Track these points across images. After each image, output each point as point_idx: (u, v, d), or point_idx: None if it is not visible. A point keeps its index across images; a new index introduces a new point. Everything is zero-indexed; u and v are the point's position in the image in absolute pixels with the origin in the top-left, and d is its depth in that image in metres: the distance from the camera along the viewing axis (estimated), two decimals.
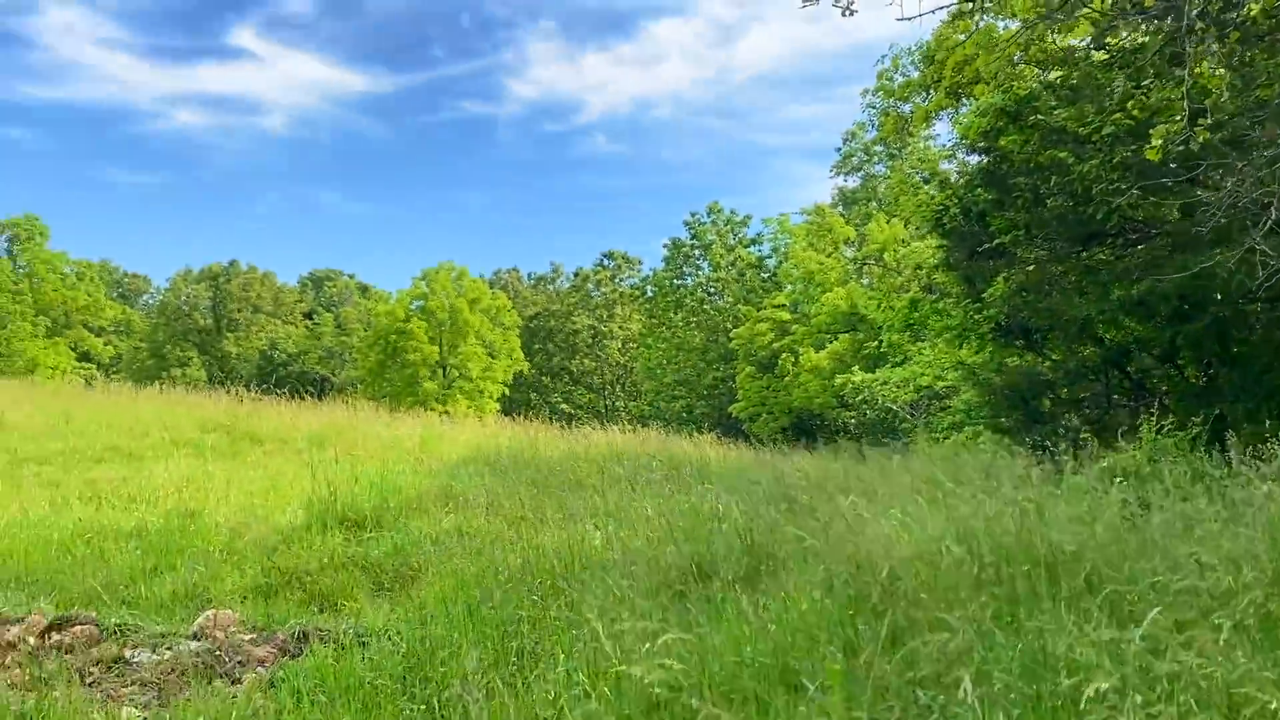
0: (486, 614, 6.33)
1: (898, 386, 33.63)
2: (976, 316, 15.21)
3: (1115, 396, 14.96)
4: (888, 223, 45.62)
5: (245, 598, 7.36)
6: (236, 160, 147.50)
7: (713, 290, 57.32)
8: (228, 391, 28.67)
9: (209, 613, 6.39)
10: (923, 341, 21.09)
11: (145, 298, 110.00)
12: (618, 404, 75.92)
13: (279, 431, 19.51)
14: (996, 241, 14.43)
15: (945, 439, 32.72)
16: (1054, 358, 16.15)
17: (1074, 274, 14.43)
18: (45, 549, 7.88)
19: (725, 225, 58.27)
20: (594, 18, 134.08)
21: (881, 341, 35.02)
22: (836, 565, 6.77)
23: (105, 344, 71.22)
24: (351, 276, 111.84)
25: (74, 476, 12.89)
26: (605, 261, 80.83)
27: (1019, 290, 14.82)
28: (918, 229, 38.51)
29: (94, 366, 68.47)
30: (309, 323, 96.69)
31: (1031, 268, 14.39)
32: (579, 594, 6.88)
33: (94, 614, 6.20)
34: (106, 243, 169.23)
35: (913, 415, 37.34)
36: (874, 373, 36.38)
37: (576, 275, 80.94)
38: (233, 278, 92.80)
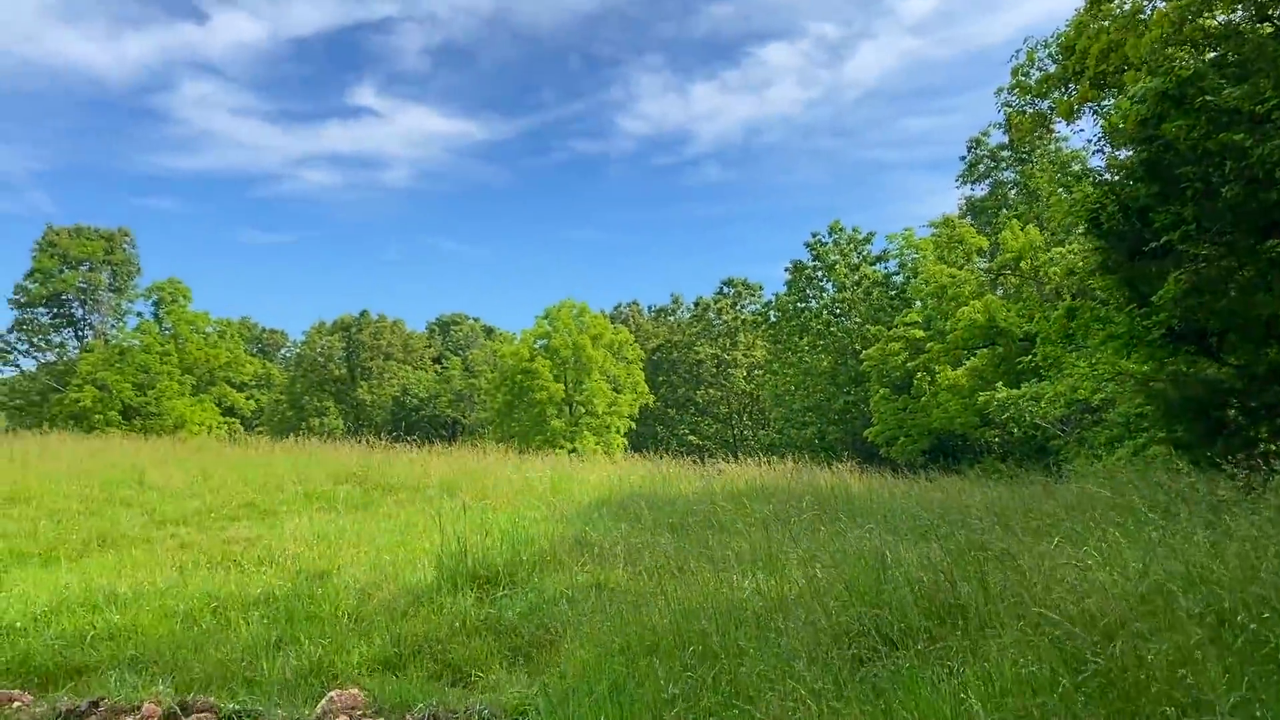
0: (634, 692, 5.57)
1: (1049, 402, 31.57)
2: (1145, 323, 13.76)
3: None
4: (1023, 229, 43.44)
5: (373, 671, 6.78)
6: (362, 214, 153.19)
7: (838, 311, 55.74)
8: (361, 441, 28.98)
9: (333, 694, 5.82)
10: (1079, 351, 19.45)
11: (283, 351, 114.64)
12: (745, 433, 74.69)
13: (410, 479, 19.31)
14: (1164, 239, 13.01)
15: (1105, 456, 30.52)
16: (1235, 362, 14.53)
17: (1254, 269, 12.91)
18: (170, 622, 7.51)
19: (848, 244, 56.72)
20: (700, 48, 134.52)
21: (1033, 355, 33.00)
22: (1040, 623, 5.75)
23: (247, 398, 73.90)
24: (476, 320, 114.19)
25: (209, 536, 12.77)
26: (725, 289, 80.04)
27: (1191, 291, 13.35)
28: (1066, 232, 36.38)
29: (237, 420, 71.12)
30: (438, 367, 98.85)
31: (1204, 265, 12.92)
32: (736, 662, 6.03)
33: (212, 699, 5.71)
34: (245, 301, 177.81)
35: (1064, 431, 35.09)
36: (1019, 388, 34.34)
37: (697, 304, 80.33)
38: (364, 327, 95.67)
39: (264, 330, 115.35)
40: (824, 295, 57.37)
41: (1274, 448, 13.21)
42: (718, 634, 6.47)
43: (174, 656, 6.63)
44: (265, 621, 7.64)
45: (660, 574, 9.07)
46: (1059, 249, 39.97)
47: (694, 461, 28.28)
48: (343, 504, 16.36)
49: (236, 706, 5.76)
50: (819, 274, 57.40)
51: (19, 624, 7.15)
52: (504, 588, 8.53)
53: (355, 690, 5.90)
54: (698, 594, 8.07)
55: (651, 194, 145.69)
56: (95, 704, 5.50)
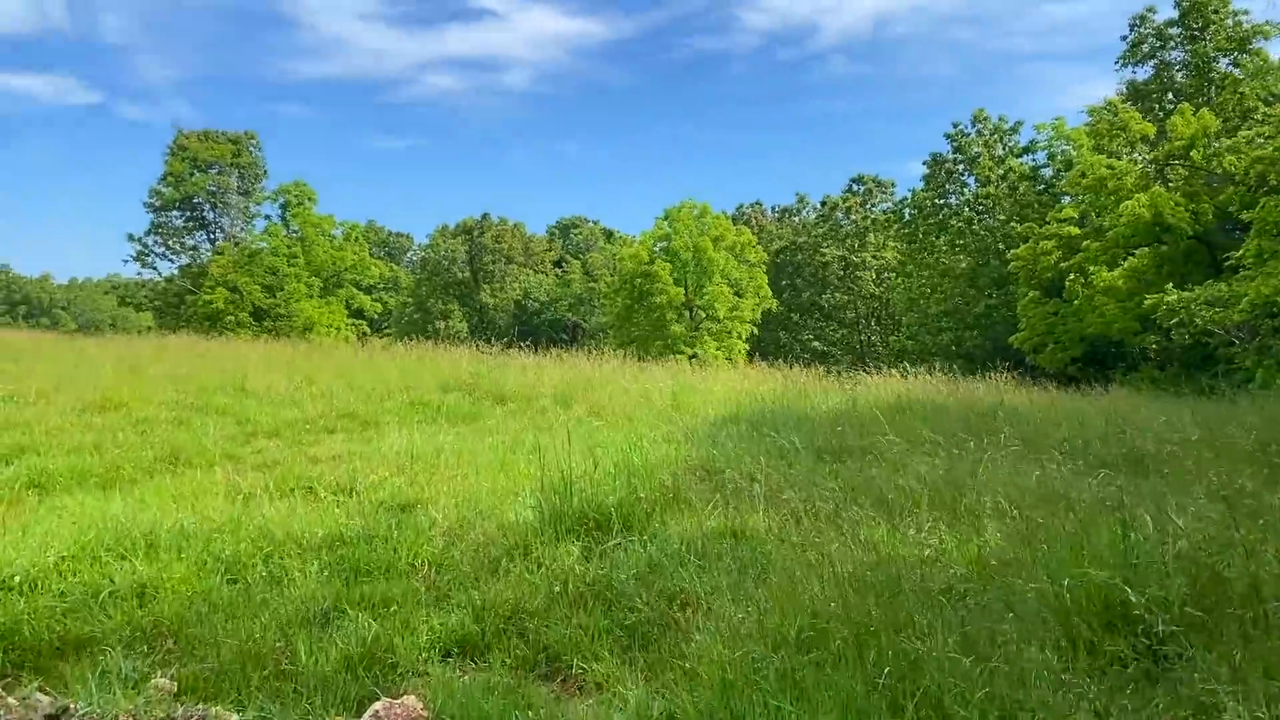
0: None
1: (1242, 305, 28.04)
2: None
3: None
4: (1195, 115, 38.80)
5: (446, 655, 5.23)
6: (484, 118, 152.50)
7: (981, 208, 51.81)
8: (477, 346, 27.85)
9: (379, 707, 4.27)
10: None
11: (409, 255, 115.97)
12: (873, 339, 71.65)
13: (523, 388, 17.89)
14: None
15: None
16: None
17: None
18: (208, 576, 6.12)
19: (992, 134, 52.38)
20: None
21: (1216, 252, 29.39)
22: None
23: (374, 300, 74.51)
24: (596, 222, 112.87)
25: (297, 453, 11.55)
26: (854, 187, 75.99)
27: None
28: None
29: (365, 323, 71.89)
30: (558, 271, 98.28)
31: None
32: (945, 677, 4.19)
33: (215, 710, 4.22)
34: (371, 205, 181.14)
35: (1238, 340, 31.43)
36: (1189, 290, 30.76)
37: (823, 204, 76.66)
38: (485, 230, 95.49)
39: (390, 234, 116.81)
40: (965, 191, 53.40)
41: None
42: (909, 629, 4.62)
43: (199, 628, 5.22)
44: (323, 576, 6.18)
45: (812, 521, 7.25)
46: (1244, 133, 35.45)
47: (823, 370, 26.21)
48: (448, 415, 15.02)
49: (258, 715, 4.28)
50: (960, 167, 53.36)
51: (30, 574, 5.85)
52: (617, 534, 6.85)
53: (412, 700, 4.32)
54: (866, 554, 6.21)
55: (776, 91, 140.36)
56: (55, 717, 4.09)
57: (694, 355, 55.42)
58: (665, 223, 61.15)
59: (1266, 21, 44.93)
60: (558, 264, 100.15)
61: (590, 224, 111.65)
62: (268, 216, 65.80)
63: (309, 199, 66.81)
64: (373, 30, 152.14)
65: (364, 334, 69.26)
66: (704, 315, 59.17)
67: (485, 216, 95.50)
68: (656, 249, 60.77)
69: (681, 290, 58.36)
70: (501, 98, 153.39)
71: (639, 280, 58.93)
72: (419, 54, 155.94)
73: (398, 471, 10.01)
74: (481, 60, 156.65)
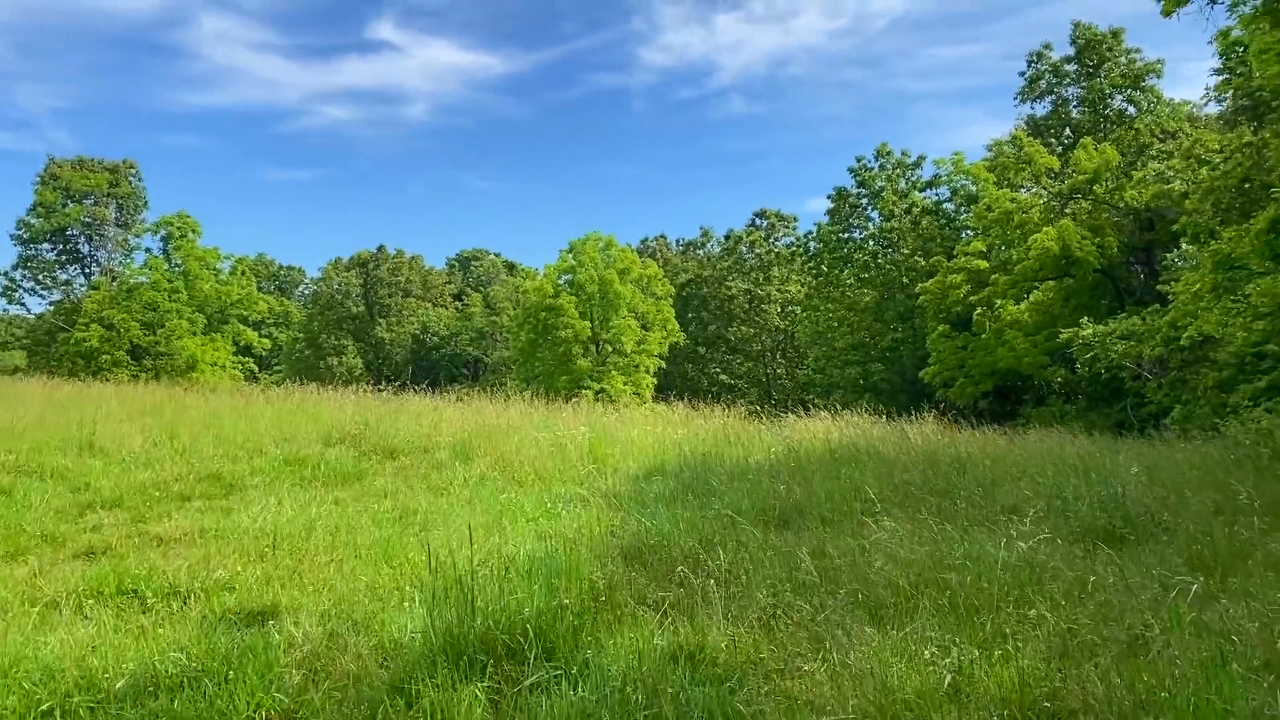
0: None
1: (1143, 340, 27.75)
2: None
3: None
4: (1097, 149, 39.13)
5: None
6: (383, 150, 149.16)
7: (885, 242, 51.65)
8: (369, 386, 25.72)
9: None
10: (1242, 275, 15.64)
11: (301, 288, 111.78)
12: (779, 371, 71.12)
13: (417, 439, 15.95)
14: None
15: (1208, 403, 26.78)
16: None
17: None
18: None
19: (895, 169, 52.40)
20: None
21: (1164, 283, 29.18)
22: None
23: (263, 336, 70.83)
24: (498, 255, 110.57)
25: (136, 532, 9.49)
26: (757, 221, 75.80)
27: None
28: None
29: (253, 360, 68.26)
30: (459, 304, 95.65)
31: None
32: None
33: None
34: (263, 238, 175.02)
35: (1154, 375, 31.30)
36: (1105, 324, 30.52)
37: (727, 237, 76.13)
38: (381, 263, 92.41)
39: (281, 267, 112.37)
40: (869, 224, 53.25)
41: None
42: None
43: None
44: None
45: (785, 629, 5.66)
46: (1155, 165, 35.77)
47: (744, 409, 24.85)
48: (327, 475, 13.02)
49: None
50: (864, 201, 53.21)
51: None
52: (536, 664, 5.14)
53: None
54: (865, 690, 4.64)
55: (676, 128, 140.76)
56: None
57: (601, 391, 53.79)
58: (570, 255, 59.57)
59: (1158, 60, 46.01)
60: (458, 297, 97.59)
61: (492, 256, 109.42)
62: (148, 249, 62.00)
63: (193, 231, 63.23)
64: (266, 61, 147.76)
65: (252, 372, 65.69)
66: (611, 349, 57.65)
67: (381, 249, 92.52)
68: (561, 282, 59.11)
69: (588, 324, 56.75)
70: (399, 130, 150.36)
71: (543, 314, 57.11)
72: (315, 85, 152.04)
73: (255, 559, 8.07)
74: (379, 92, 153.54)
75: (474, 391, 30.25)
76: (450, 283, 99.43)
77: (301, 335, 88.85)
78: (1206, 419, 25.38)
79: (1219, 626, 5.10)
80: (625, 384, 55.40)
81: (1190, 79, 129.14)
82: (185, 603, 6.78)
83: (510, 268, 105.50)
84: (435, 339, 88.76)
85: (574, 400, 38.59)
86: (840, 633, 5.50)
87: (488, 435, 15.88)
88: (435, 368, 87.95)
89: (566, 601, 5.83)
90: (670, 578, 7.05)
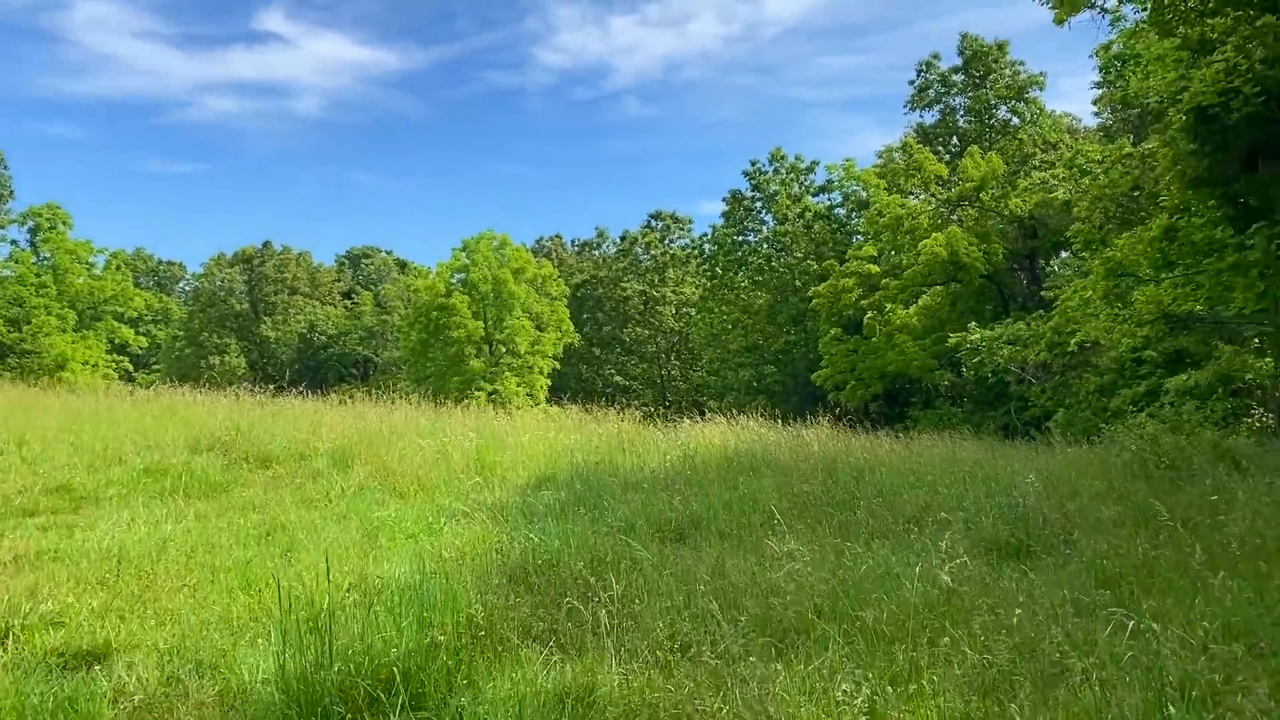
0: None
1: (1028, 345, 28.37)
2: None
3: None
4: (984, 158, 40.09)
5: None
6: (271, 144, 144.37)
7: (779, 246, 52.04)
8: (246, 389, 24.39)
9: None
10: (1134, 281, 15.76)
11: (182, 284, 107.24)
12: (674, 373, 71.12)
13: (294, 445, 15.00)
14: None
15: (1090, 406, 27.52)
16: None
17: None
18: None
19: (789, 173, 52.87)
20: None
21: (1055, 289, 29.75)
22: None
23: (140, 334, 67.49)
24: (389, 253, 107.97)
25: None
26: (653, 223, 75.65)
27: None
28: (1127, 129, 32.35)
29: (128, 359, 65.02)
30: (348, 303, 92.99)
31: None
32: None
33: None
34: (143, 231, 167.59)
35: (1038, 379, 32.11)
36: (991, 328, 31.16)
37: (623, 238, 75.84)
38: (267, 259, 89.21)
39: (160, 262, 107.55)
40: (764, 228, 53.60)
41: None
42: None
43: None
44: None
45: (683, 664, 5.17)
46: (1039, 174, 36.76)
47: (639, 413, 24.43)
48: (191, 486, 12.04)
49: None
50: (758, 205, 53.54)
51: None
52: (401, 711, 4.53)
53: None
54: None
55: (572, 128, 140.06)
56: None
57: (494, 392, 52.78)
58: (463, 254, 58.39)
59: (1041, 73, 47.48)
60: (347, 295, 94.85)
61: (383, 254, 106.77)
62: (14, 242, 58.33)
63: (63, 223, 59.84)
64: (149, 49, 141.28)
65: (127, 371, 62.48)
66: (505, 350, 56.70)
67: (267, 244, 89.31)
68: (454, 280, 57.86)
69: (481, 324, 55.69)
70: (289, 124, 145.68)
71: (435, 313, 55.79)
72: (200, 75, 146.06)
73: (94, 587, 7.21)
74: (267, 85, 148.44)
75: (362, 393, 29.11)
76: (339, 280, 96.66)
77: (182, 333, 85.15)
78: (1088, 423, 26.07)
79: (1145, 660, 4.81)
80: (519, 385, 54.55)
81: (1067, 94, 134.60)
82: (1, 644, 5.92)
83: (402, 266, 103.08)
84: (323, 338, 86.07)
85: (465, 403, 37.67)
86: (743, 668, 5.03)
87: (370, 441, 15.04)
88: (323, 368, 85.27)
89: (440, 638, 5.21)
90: (559, 604, 6.49)
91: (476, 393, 51.27)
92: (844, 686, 4.76)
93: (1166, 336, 20.76)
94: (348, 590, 6.74)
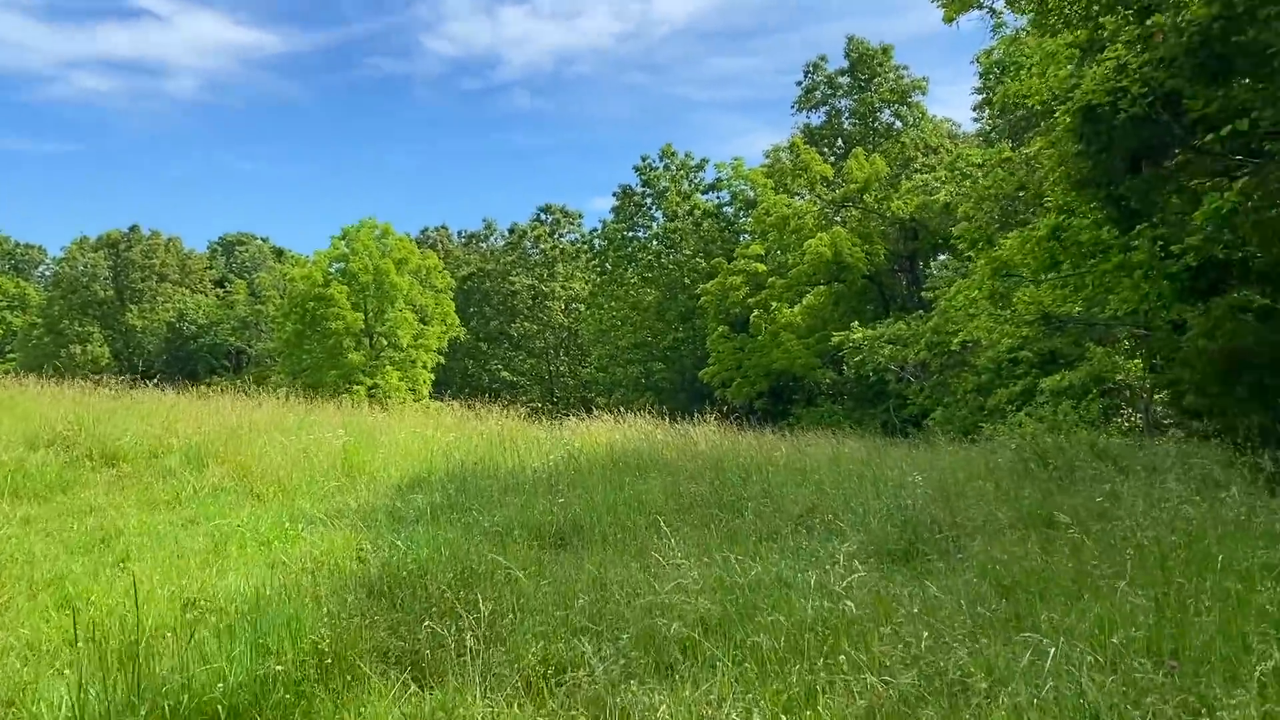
0: None
1: (908, 345, 28.82)
2: (1163, 258, 10.26)
3: None
4: (868, 160, 40.69)
5: None
6: (144, 125, 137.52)
7: (669, 243, 51.92)
8: (103, 380, 22.74)
9: None
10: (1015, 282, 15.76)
11: (41, 269, 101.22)
12: (562, 369, 70.41)
13: (145, 441, 13.85)
14: (1211, 136, 9.37)
15: (966, 405, 28.08)
16: (1255, 305, 11.34)
17: None
18: None
19: (679, 170, 52.80)
20: None
21: (931, 291, 30.20)
22: None
23: None
24: (265, 240, 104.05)
25: None
26: (542, 216, 74.71)
27: (1236, 210, 9.90)
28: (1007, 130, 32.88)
29: None
30: (220, 291, 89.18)
31: (1272, 170, 9.42)
32: None
33: None
34: (5, 215, 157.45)
35: (917, 378, 32.67)
36: (873, 328, 31.57)
37: (512, 231, 74.67)
38: (134, 244, 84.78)
39: (17, 245, 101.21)
40: (654, 224, 53.41)
41: None
42: None
43: None
44: None
45: (559, 696, 4.63)
46: (921, 176, 37.44)
47: (524, 410, 23.81)
48: (22, 487, 10.90)
49: None
50: (648, 201, 53.32)
51: None
52: None
53: None
54: None
55: (461, 119, 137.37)
56: None
57: (374, 387, 51.17)
58: (343, 242, 56.38)
59: (923, 77, 48.56)
60: (220, 284, 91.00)
61: (259, 241, 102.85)
62: None
63: None
64: (10, 21, 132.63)
65: None
66: (386, 343, 55.00)
67: (134, 229, 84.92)
68: (333, 270, 55.81)
69: (361, 316, 53.88)
70: (162, 104, 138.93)
71: (312, 304, 53.68)
72: (66, 51, 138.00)
73: None
74: (139, 63, 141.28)
75: (233, 386, 27.71)
76: (212, 268, 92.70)
77: (40, 320, 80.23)
78: (966, 421, 26.57)
79: (1053, 680, 4.48)
80: (401, 380, 53.01)
81: (946, 100, 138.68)
82: None
83: (279, 254, 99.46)
84: (193, 328, 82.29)
85: (343, 397, 36.26)
86: (623, 695, 4.52)
87: (231, 437, 14.02)
88: (193, 359, 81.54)
89: (278, 668, 4.54)
90: (423, 622, 5.87)
91: (355, 387, 49.62)
92: (733, 716, 4.29)
93: (1042, 337, 21.20)
94: (184, 608, 5.98)
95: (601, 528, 8.66)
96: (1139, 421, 20.67)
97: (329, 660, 4.90)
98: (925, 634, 5.31)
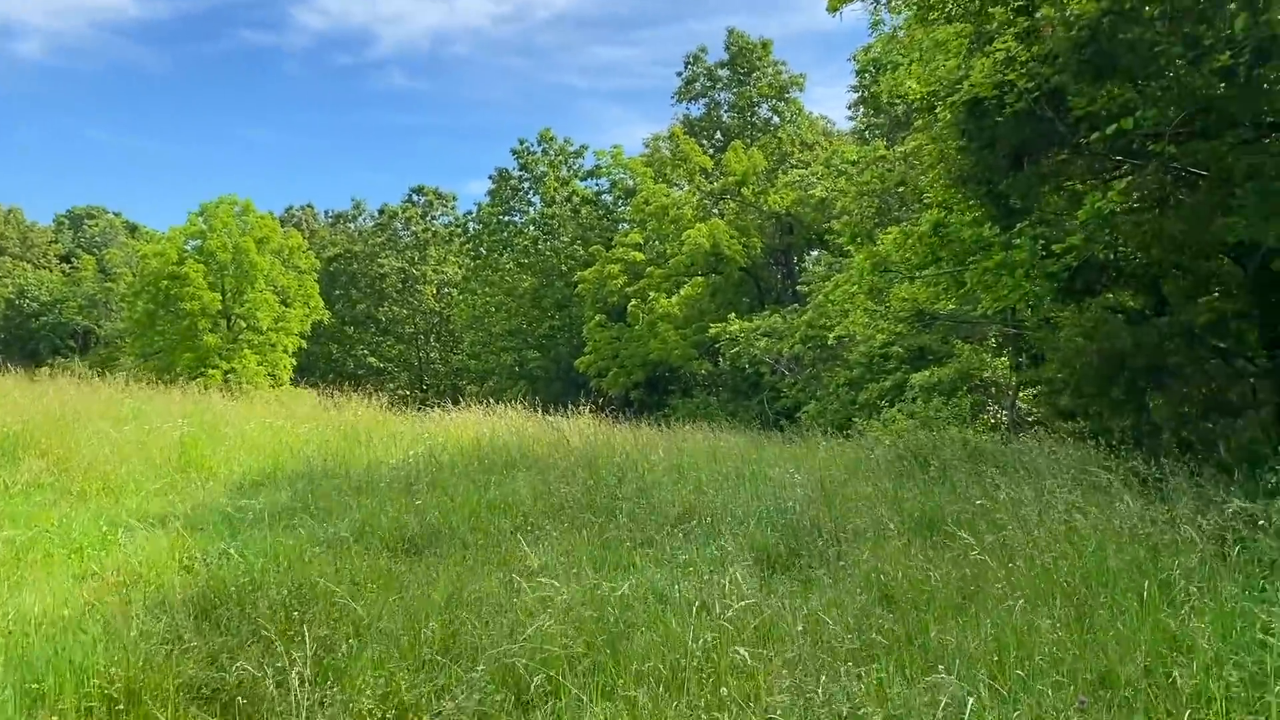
0: None
1: (783, 338, 28.87)
2: (1044, 257, 10.16)
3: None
4: (746, 153, 40.77)
5: None
6: None
7: (546, 228, 51.03)
8: None
9: None
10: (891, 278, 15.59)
11: None
12: (433, 355, 68.63)
13: None
14: (1095, 135, 9.24)
15: (838, 400, 28.29)
16: (1130, 307, 11.40)
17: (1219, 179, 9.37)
18: None
19: (558, 155, 51.94)
20: None
21: (806, 286, 30.21)
22: None
23: None
24: (117, 214, 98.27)
25: None
26: (415, 198, 72.51)
27: (1115, 211, 9.85)
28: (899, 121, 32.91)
29: None
30: (66, 267, 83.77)
31: (1152, 171, 9.37)
32: None
33: None
34: None
35: (791, 371, 32.81)
36: (749, 320, 31.55)
37: (382, 212, 72.22)
38: None
39: None
40: (531, 209, 52.43)
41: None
42: None
43: None
44: None
45: None
46: (798, 171, 37.68)
47: (387, 397, 22.75)
48: None
49: None
50: (525, 185, 52.29)
51: None
52: None
53: None
54: None
55: (332, 95, 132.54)
56: None
57: (231, 371, 48.67)
58: (200, 219, 53.37)
59: (801, 74, 49.02)
60: (66, 259, 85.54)
61: (110, 215, 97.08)
62: None
63: None
64: None
65: None
66: (244, 325, 52.33)
67: None
68: (188, 248, 52.76)
69: (218, 296, 51.10)
70: (7, 67, 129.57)
71: (165, 283, 50.60)
72: None
73: None
74: None
75: (75, 368, 25.60)
76: (57, 242, 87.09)
77: None
78: (838, 415, 26.74)
79: (950, 713, 4.05)
80: (260, 365, 50.53)
81: (821, 101, 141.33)
82: None
83: (133, 229, 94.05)
84: (35, 305, 77.08)
85: (196, 382, 34.23)
86: None
87: (54, 426, 12.67)
88: (34, 338, 76.40)
89: (59, 704, 3.73)
90: (247, 649, 5.09)
91: (211, 371, 47.09)
92: None
93: (913, 334, 21.39)
94: None
95: (461, 534, 7.96)
96: (1004, 419, 21.06)
97: (121, 706, 4.09)
98: (812, 660, 4.85)
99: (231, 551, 7.04)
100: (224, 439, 12.69)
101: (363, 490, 9.62)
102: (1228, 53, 7.81)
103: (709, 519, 8.76)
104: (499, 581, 6.47)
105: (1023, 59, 9.22)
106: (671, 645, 5.13)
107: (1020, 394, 20.99)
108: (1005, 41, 9.37)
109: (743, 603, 5.72)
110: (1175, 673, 4.27)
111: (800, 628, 5.50)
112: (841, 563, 7.31)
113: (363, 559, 7.14)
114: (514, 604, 5.86)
